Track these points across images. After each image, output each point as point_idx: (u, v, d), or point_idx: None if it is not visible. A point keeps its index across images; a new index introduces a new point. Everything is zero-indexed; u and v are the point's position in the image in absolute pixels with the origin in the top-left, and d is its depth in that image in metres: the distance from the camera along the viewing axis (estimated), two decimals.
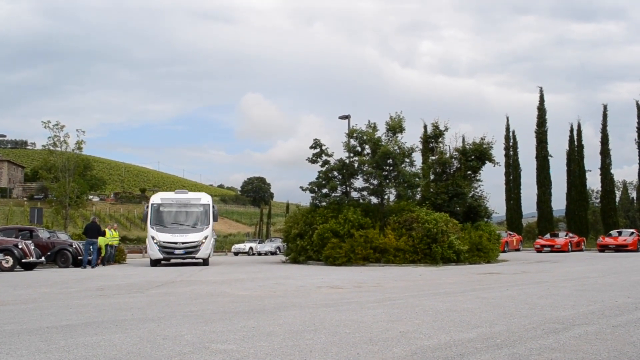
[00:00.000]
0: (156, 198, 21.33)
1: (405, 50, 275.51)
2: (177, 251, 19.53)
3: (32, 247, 17.60)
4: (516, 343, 4.45)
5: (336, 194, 23.20)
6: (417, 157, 26.21)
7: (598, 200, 47.86)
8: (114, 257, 22.92)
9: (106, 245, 21.30)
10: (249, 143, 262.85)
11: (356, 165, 22.65)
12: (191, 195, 22.65)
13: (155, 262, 19.98)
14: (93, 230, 19.68)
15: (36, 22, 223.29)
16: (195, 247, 19.64)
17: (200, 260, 20.48)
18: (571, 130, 44.14)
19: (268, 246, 45.21)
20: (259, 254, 43.52)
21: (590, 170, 44.09)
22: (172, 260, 21.14)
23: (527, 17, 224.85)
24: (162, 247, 19.37)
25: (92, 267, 18.89)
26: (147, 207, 20.93)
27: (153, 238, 19.53)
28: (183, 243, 19.50)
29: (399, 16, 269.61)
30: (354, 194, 23.37)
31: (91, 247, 19.42)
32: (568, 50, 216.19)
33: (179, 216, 20.83)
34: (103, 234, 20.76)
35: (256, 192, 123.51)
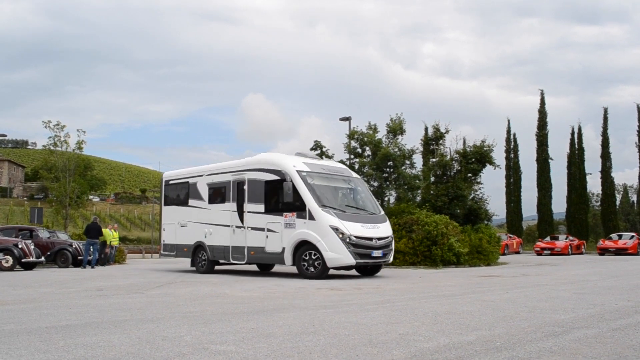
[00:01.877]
0: (291, 161, 13.49)
1: (407, 53, 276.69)
2: (375, 252, 12.68)
3: (32, 247, 17.60)
4: (516, 346, 4.44)
5: None
6: (418, 159, 26.33)
7: (598, 204, 47.86)
8: (113, 257, 22.91)
9: (104, 245, 21.23)
10: (250, 144, 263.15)
11: (356, 166, 22.67)
12: (336, 163, 16.46)
13: (324, 270, 12.38)
14: (94, 231, 19.68)
15: (38, 22, 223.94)
16: (388, 245, 13.31)
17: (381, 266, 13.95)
18: (572, 133, 44.17)
19: None
20: None
21: (590, 174, 44.13)
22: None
23: (530, 19, 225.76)
24: (356, 245, 12.25)
25: (92, 268, 18.89)
26: (285, 174, 12.87)
27: (337, 229, 12.06)
28: (379, 239, 12.87)
29: (401, 18, 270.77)
30: None
31: (92, 247, 19.42)
32: (571, 53, 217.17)
33: (346, 196, 14.17)
34: (102, 234, 20.73)
35: None
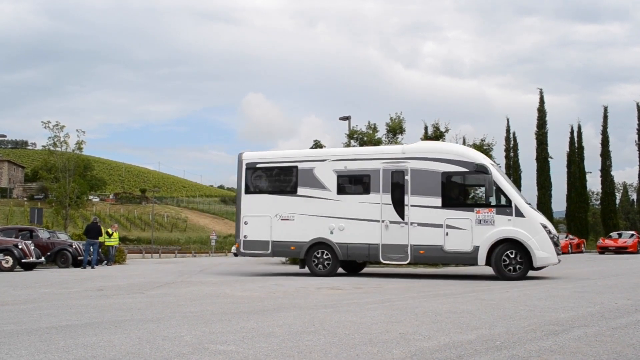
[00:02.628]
0: (479, 154, 13.32)
1: (408, 52, 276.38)
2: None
3: (32, 248, 17.59)
4: (515, 345, 4.45)
5: None
6: None
7: (598, 202, 47.91)
8: (113, 257, 22.92)
9: (102, 245, 21.20)
10: (250, 144, 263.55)
11: None
12: None
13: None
14: (94, 231, 19.67)
15: (38, 22, 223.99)
16: None
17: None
18: (571, 132, 44.22)
19: None
20: None
21: (590, 172, 44.21)
22: None
23: (531, 18, 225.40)
24: (556, 244, 11.91)
25: (92, 268, 18.88)
26: (481, 167, 12.02)
27: (545, 227, 11.65)
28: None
29: (402, 17, 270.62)
30: None
31: (91, 247, 19.41)
32: (571, 52, 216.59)
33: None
34: (101, 234, 20.72)
35: None
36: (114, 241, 22.63)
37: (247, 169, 14.07)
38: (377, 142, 21.68)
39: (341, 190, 13.11)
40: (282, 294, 9.03)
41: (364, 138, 22.26)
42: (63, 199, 37.89)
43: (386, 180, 12.56)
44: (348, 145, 22.97)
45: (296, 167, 13.59)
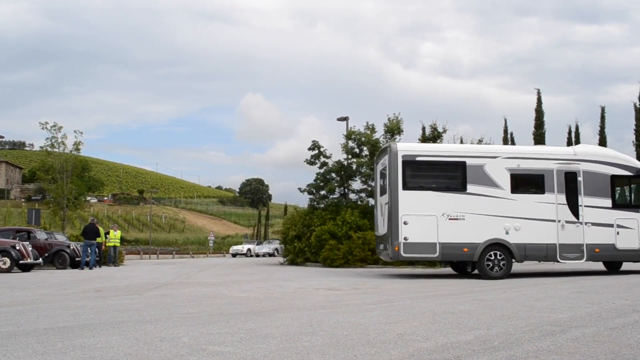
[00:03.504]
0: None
1: (407, 52, 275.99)
2: None
3: (30, 249, 17.57)
4: (513, 345, 4.45)
5: (334, 196, 23.26)
6: None
7: None
8: (111, 258, 22.90)
9: (100, 245, 21.16)
10: (249, 144, 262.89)
11: (354, 167, 22.70)
12: None
13: None
14: (91, 232, 19.65)
15: (36, 22, 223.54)
16: None
17: None
18: (569, 132, 44.23)
19: (266, 248, 45.25)
20: (257, 255, 43.56)
21: None
22: None
23: (530, 18, 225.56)
24: None
25: (90, 269, 18.86)
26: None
27: None
28: None
29: (401, 18, 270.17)
30: (352, 196, 23.43)
31: (89, 248, 19.39)
32: (570, 52, 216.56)
33: None
34: (99, 235, 20.70)
35: (254, 193, 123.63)
36: (114, 242, 22.62)
37: (403, 162, 12.73)
38: (375, 143, 21.68)
39: (515, 189, 12.79)
40: (280, 295, 9.03)
41: (362, 139, 22.26)
42: (61, 200, 37.81)
43: (560, 180, 12.83)
44: (346, 145, 22.97)
45: (464, 162, 12.87)
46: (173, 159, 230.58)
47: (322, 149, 23.48)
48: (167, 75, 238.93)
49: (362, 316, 6.18)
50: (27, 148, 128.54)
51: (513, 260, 12.56)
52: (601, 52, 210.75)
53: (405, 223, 12.43)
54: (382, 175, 13.68)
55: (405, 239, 12.37)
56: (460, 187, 12.79)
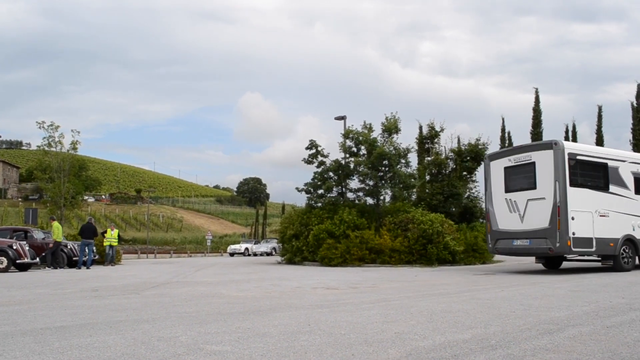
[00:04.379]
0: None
1: (405, 51, 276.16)
2: None
3: (27, 248, 17.54)
4: (510, 344, 4.46)
5: (332, 195, 23.25)
6: (413, 158, 26.27)
7: None
8: (113, 257, 22.88)
9: (112, 247, 21.15)
10: (247, 144, 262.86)
11: (352, 166, 22.68)
12: None
13: None
14: (89, 231, 19.62)
15: (34, 22, 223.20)
16: None
17: None
18: (566, 132, 44.31)
19: (264, 247, 45.24)
20: (255, 254, 43.54)
21: None
22: None
23: (529, 18, 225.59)
24: None
25: (87, 268, 18.83)
26: None
27: None
28: None
29: (399, 17, 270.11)
30: (350, 195, 23.42)
31: (87, 248, 19.35)
32: (568, 51, 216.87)
33: None
34: (97, 235, 20.66)
35: (252, 192, 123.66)
36: (112, 241, 22.57)
37: (569, 159, 13.18)
38: (373, 142, 21.67)
39: (638, 190, 14.16)
40: (278, 294, 9.03)
41: (360, 138, 22.25)
42: (58, 200, 37.77)
43: None
44: (344, 145, 22.95)
45: (606, 164, 13.84)
46: (171, 159, 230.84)
47: (319, 148, 23.46)
48: (165, 75, 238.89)
49: (360, 315, 6.19)
50: (24, 147, 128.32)
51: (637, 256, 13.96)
52: (599, 51, 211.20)
53: (572, 219, 12.85)
54: (526, 169, 13.86)
55: (573, 233, 12.80)
56: (604, 186, 13.75)
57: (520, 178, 14.00)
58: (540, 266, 15.87)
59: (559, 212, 12.83)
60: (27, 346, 4.59)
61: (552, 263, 15.44)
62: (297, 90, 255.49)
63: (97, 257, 21.88)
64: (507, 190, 14.18)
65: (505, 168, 14.32)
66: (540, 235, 13.12)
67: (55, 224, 19.48)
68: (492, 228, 14.54)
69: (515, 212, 13.84)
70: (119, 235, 23.70)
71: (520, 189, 13.87)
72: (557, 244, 12.74)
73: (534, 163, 13.50)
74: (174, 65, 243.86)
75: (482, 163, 17.81)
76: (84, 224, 20.82)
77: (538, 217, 13.22)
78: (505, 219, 14.16)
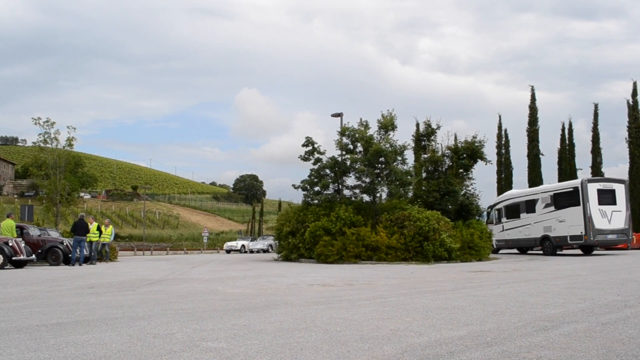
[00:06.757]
0: None
1: (404, 48, 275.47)
2: None
3: (23, 245, 17.50)
4: (506, 341, 4.47)
5: (328, 192, 23.23)
6: (409, 155, 26.31)
7: None
8: (108, 255, 22.83)
9: (91, 242, 21.02)
10: (244, 140, 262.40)
11: (348, 163, 22.67)
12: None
13: None
14: (81, 228, 19.56)
15: (30, 17, 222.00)
16: None
17: None
18: (563, 129, 44.41)
19: (260, 244, 45.23)
20: (251, 251, 43.54)
21: (581, 169, 44.34)
22: None
23: (528, 15, 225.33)
24: None
25: (80, 265, 18.78)
26: None
27: None
28: None
29: (398, 13, 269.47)
30: (346, 192, 23.42)
31: (79, 244, 19.30)
32: (567, 49, 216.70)
33: None
34: (89, 231, 20.56)
35: (248, 189, 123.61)
36: (106, 237, 22.52)
37: (629, 189, 22.16)
38: (369, 139, 21.68)
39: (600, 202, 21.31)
40: (274, 291, 9.03)
41: (356, 135, 22.24)
42: (54, 196, 37.64)
43: None
44: (340, 142, 22.93)
45: (614, 190, 21.86)
46: (167, 155, 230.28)
47: (316, 145, 23.44)
48: (162, 71, 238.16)
49: (356, 312, 6.20)
50: (19, 144, 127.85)
51: None
52: (598, 48, 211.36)
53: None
54: (611, 193, 21.72)
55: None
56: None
57: (607, 197, 21.51)
58: (537, 263, 15.92)
59: (630, 219, 21.81)
60: (22, 343, 4.59)
61: (586, 249, 23.15)
62: (295, 87, 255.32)
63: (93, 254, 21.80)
64: (599, 204, 21.25)
65: (598, 190, 21.55)
66: (621, 232, 21.49)
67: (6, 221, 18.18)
68: (594, 227, 21.15)
69: (605, 218, 21.21)
70: (112, 232, 23.62)
71: (607, 204, 21.39)
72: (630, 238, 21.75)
73: (614, 190, 21.70)
74: (170, 61, 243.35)
75: (578, 183, 22.83)
76: (76, 220, 20.75)
77: (618, 221, 21.36)
78: (599, 222, 21.18)
